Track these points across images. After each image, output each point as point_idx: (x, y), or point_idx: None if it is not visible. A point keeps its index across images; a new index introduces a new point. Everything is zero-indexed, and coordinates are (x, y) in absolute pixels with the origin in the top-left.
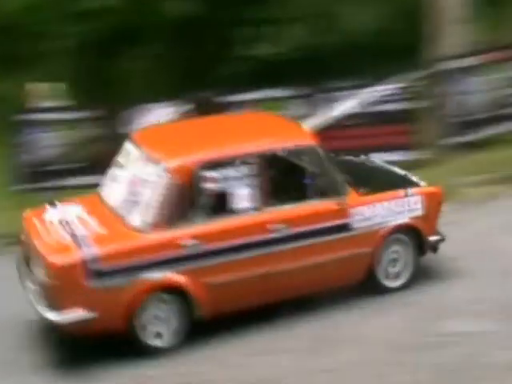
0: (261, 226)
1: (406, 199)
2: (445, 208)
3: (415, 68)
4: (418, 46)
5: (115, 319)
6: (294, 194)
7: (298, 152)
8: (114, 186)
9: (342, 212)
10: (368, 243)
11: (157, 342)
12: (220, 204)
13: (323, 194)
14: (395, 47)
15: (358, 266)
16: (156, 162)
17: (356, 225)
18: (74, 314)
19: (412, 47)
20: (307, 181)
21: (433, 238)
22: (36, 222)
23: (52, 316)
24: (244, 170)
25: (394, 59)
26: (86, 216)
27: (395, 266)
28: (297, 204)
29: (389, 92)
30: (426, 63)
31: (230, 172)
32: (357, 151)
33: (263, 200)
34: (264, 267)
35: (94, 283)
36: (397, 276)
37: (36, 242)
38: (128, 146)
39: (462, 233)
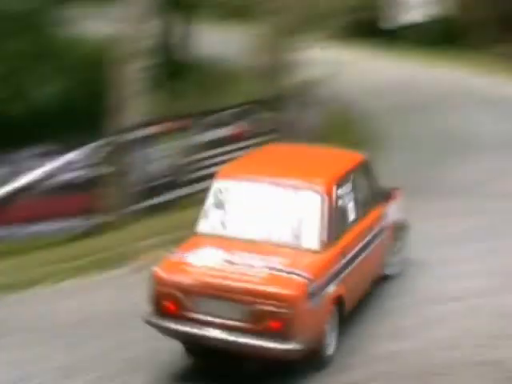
0: (367, 230)
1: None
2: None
3: (100, 137)
4: (102, 116)
5: (318, 337)
6: (368, 199)
7: (364, 165)
8: (242, 223)
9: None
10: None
11: (329, 352)
12: (343, 217)
13: (381, 196)
14: (81, 117)
15: (385, 255)
16: (300, 188)
17: (386, 224)
18: (307, 337)
19: (97, 117)
20: (372, 187)
21: None
22: (186, 270)
23: (287, 346)
24: (349, 186)
25: (80, 128)
26: (241, 252)
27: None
28: (372, 208)
29: (74, 160)
30: (110, 132)
31: (344, 189)
32: (33, 221)
33: (360, 209)
34: (367, 263)
35: (310, 305)
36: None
37: (231, 285)
38: (225, 185)
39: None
